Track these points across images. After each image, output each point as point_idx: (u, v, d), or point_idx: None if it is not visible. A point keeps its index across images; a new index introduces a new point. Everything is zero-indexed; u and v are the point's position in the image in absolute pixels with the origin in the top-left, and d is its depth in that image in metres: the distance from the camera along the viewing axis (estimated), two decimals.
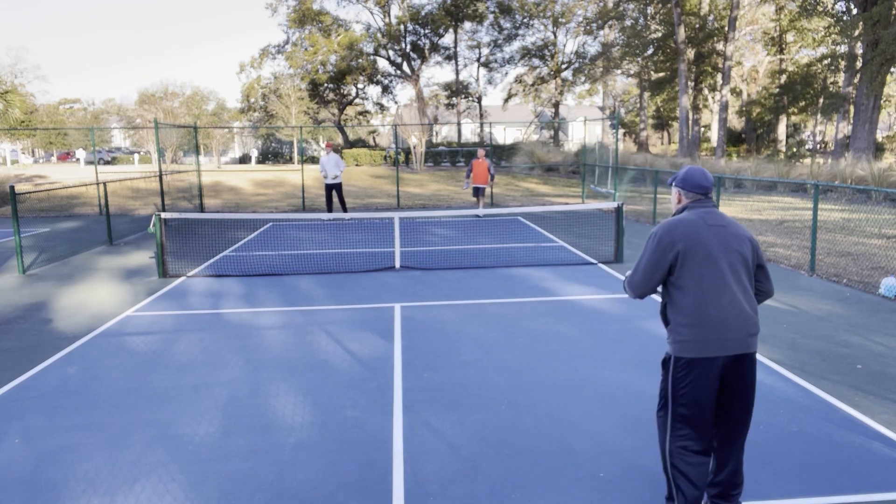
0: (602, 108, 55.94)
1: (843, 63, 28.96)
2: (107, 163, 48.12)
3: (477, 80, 47.48)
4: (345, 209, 16.11)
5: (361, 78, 44.89)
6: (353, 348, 6.05)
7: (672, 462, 3.06)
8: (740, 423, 3.07)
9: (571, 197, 20.73)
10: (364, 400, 4.85)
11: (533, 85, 46.97)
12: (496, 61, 46.21)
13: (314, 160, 42.92)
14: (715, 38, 35.90)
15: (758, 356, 5.64)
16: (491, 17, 43.35)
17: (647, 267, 3.06)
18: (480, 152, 16.09)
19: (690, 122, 35.16)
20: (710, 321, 2.91)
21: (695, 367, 2.95)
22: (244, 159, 51.21)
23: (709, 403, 2.98)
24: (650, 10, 37.99)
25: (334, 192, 15.72)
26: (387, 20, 43.21)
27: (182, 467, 3.89)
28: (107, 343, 6.34)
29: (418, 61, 44.58)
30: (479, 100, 47.38)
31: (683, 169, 3.18)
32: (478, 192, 16.03)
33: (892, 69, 24.50)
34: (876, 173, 18.75)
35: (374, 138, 54.89)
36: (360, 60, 42.38)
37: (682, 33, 33.28)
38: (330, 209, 16.06)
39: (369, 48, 43.28)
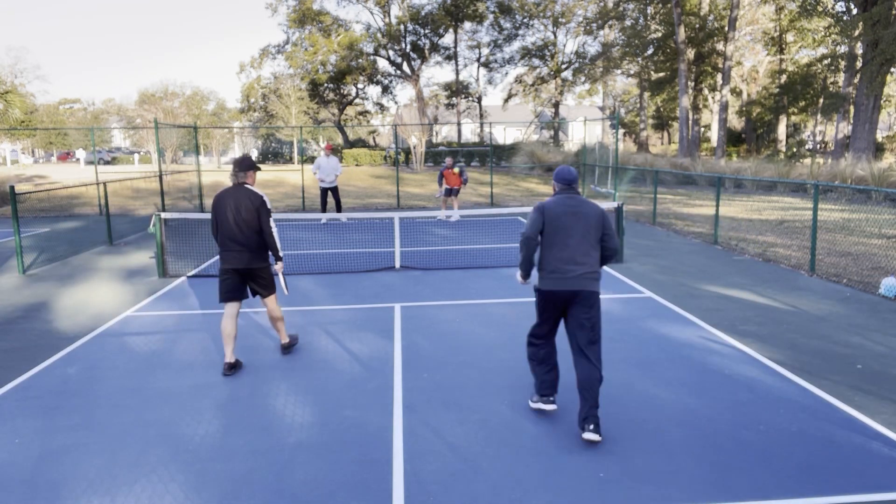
0: (602, 108, 55.96)
1: (843, 63, 28.98)
2: (107, 163, 48.15)
3: (477, 80, 47.49)
4: (339, 210, 15.86)
5: (361, 78, 44.89)
6: (353, 348, 6.05)
7: (528, 349, 4.59)
8: (587, 340, 4.22)
9: None
10: (364, 400, 4.85)
11: (533, 85, 46.97)
12: (496, 61, 46.21)
13: (314, 160, 42.93)
14: (715, 38, 35.91)
15: (757, 355, 5.62)
16: (491, 17, 43.34)
17: (530, 225, 4.35)
18: (448, 160, 15.62)
19: (690, 122, 35.16)
20: (554, 269, 4.26)
21: (545, 295, 4.32)
22: None
23: (550, 318, 4.41)
24: (650, 10, 38.01)
25: (330, 194, 15.40)
26: (387, 20, 43.21)
27: (182, 467, 3.89)
28: (107, 343, 6.34)
29: (418, 61, 44.59)
30: (479, 100, 47.38)
31: (558, 169, 4.50)
32: (451, 192, 15.73)
33: (892, 69, 24.50)
34: (876, 173, 18.76)
35: (374, 138, 54.89)
36: (360, 60, 42.37)
37: (682, 33, 33.28)
38: (324, 210, 15.81)
39: (369, 48, 43.28)
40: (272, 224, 5.30)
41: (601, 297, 7.82)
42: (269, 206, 5.32)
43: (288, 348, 5.82)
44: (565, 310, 4.33)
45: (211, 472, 3.82)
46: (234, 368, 5.40)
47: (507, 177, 28.01)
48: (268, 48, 45.17)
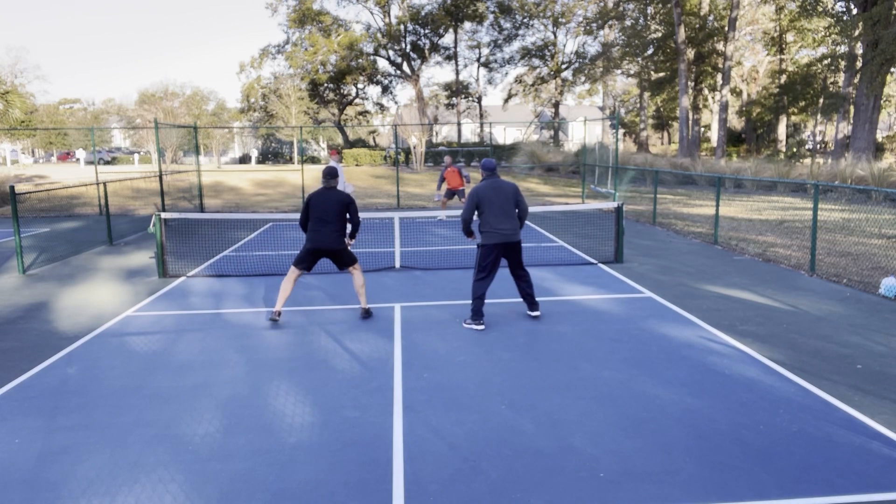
0: (602, 108, 55.96)
1: (843, 63, 28.97)
2: (107, 163, 48.10)
3: (477, 80, 47.51)
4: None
5: (361, 78, 44.91)
6: (353, 348, 6.05)
7: (473, 291, 6.57)
8: (520, 269, 6.75)
9: (571, 197, 20.74)
10: (364, 400, 4.85)
11: (533, 85, 46.99)
12: (496, 61, 46.23)
13: (314, 160, 42.92)
14: (715, 38, 35.92)
15: (757, 355, 5.64)
16: (491, 17, 43.36)
17: (467, 209, 6.55)
18: (447, 159, 15.02)
19: (690, 122, 35.16)
20: (495, 230, 6.46)
21: (488, 248, 6.51)
22: (244, 159, 51.22)
23: (492, 264, 6.55)
24: (650, 10, 38.01)
25: None
26: (387, 20, 43.22)
27: (182, 467, 3.89)
28: (107, 343, 6.34)
29: (418, 61, 44.59)
30: (479, 100, 47.39)
31: (483, 160, 6.63)
32: (454, 194, 15.12)
33: (892, 69, 24.50)
34: (876, 173, 18.76)
35: (374, 138, 54.91)
36: (360, 60, 42.39)
37: (682, 33, 33.28)
38: None
39: (369, 48, 43.29)
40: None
41: (600, 297, 7.82)
42: (355, 202, 6.98)
43: (367, 315, 7.10)
44: (503, 255, 6.56)
45: (211, 472, 3.82)
46: (278, 317, 6.93)
47: (507, 177, 28.01)
48: (268, 48, 45.21)
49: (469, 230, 6.71)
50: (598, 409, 4.61)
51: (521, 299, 7.75)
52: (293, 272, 6.92)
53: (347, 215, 6.90)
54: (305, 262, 6.91)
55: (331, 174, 6.95)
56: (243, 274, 9.54)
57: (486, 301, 7.73)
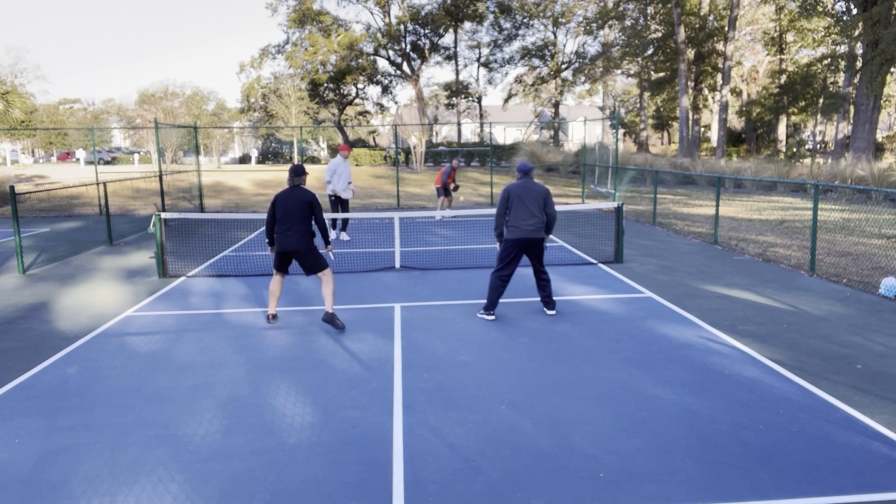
0: (602, 108, 55.95)
1: (843, 63, 28.96)
2: (107, 163, 48.09)
3: (477, 80, 47.49)
4: (344, 227, 13.05)
5: (361, 78, 44.89)
6: (353, 348, 6.05)
7: (491, 283, 6.86)
8: (541, 267, 6.99)
9: (571, 197, 20.73)
10: (364, 400, 4.85)
11: (533, 85, 46.96)
12: (496, 61, 46.21)
13: (314, 160, 42.91)
14: (715, 38, 35.91)
15: (757, 355, 5.64)
16: (491, 17, 43.34)
17: (500, 203, 6.84)
18: (455, 162, 15.14)
19: (690, 122, 35.16)
20: (518, 226, 6.72)
21: (511, 242, 6.77)
22: (244, 159, 51.21)
23: (514, 260, 6.82)
24: (650, 10, 38.00)
25: (340, 207, 12.42)
26: (387, 20, 43.21)
27: (182, 467, 3.89)
28: (107, 343, 6.34)
29: (418, 61, 44.58)
30: (479, 100, 47.37)
31: (519, 164, 6.96)
32: (448, 192, 15.22)
33: (892, 69, 24.49)
34: (876, 173, 18.76)
35: (374, 138, 54.89)
36: (360, 60, 42.37)
37: (682, 33, 33.27)
38: (335, 225, 13.19)
39: (369, 48, 43.27)
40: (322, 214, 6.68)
41: (600, 297, 7.81)
42: (319, 201, 6.66)
43: (329, 320, 6.56)
44: (523, 251, 6.82)
45: (211, 472, 3.82)
46: (274, 318, 6.93)
47: (507, 177, 27.99)
48: (268, 48, 45.18)
49: (501, 231, 6.88)
50: (598, 409, 4.61)
51: (523, 299, 7.76)
52: (276, 275, 6.89)
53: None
54: (277, 264, 6.78)
55: (296, 172, 6.68)
56: (243, 274, 9.54)
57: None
